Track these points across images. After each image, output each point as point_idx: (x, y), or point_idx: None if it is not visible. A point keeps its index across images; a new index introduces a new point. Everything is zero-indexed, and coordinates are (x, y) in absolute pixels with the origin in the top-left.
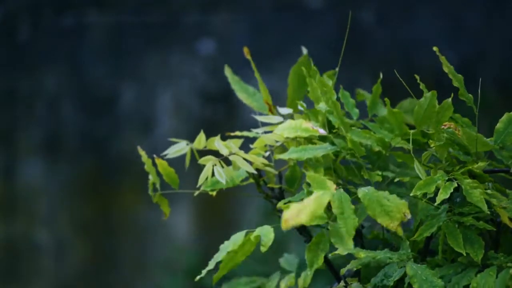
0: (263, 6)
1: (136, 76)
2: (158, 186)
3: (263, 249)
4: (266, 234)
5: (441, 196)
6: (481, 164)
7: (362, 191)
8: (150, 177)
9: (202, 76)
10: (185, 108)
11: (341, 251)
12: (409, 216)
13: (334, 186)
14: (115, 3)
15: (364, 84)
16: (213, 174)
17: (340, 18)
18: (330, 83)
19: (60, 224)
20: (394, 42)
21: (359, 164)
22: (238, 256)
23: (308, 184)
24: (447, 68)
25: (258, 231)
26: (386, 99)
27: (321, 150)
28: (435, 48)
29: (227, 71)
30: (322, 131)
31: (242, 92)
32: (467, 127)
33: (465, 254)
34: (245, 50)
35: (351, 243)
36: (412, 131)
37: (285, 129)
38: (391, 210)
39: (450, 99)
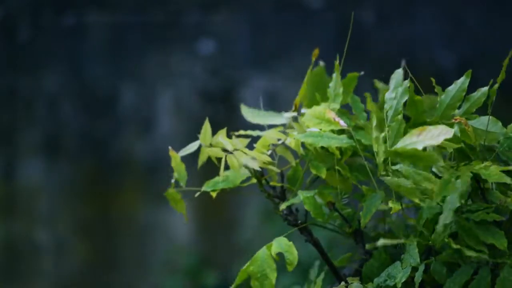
0: (263, 6)
1: (136, 76)
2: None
3: (290, 268)
4: (288, 250)
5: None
6: (486, 165)
7: (398, 165)
8: (176, 174)
9: (202, 76)
10: (185, 108)
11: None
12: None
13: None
14: (115, 3)
15: (364, 83)
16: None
17: (340, 18)
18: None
19: (60, 224)
20: (394, 42)
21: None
22: (271, 277)
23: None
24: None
25: (276, 246)
26: (410, 84)
27: (336, 141)
28: None
29: (243, 109)
30: (343, 124)
31: (255, 117)
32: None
33: (487, 252)
34: (315, 52)
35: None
36: (430, 120)
37: (310, 118)
38: (429, 178)
39: (486, 88)
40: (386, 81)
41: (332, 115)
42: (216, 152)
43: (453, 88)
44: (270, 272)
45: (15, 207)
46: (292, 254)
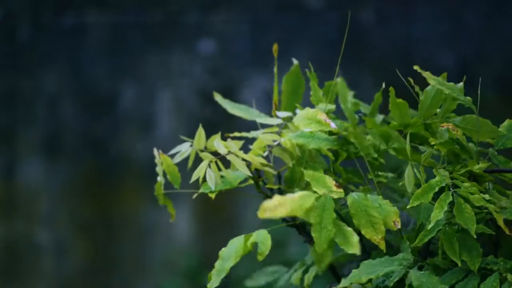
0: (263, 6)
1: (136, 76)
2: (162, 187)
3: (259, 258)
4: (263, 241)
5: (437, 211)
6: (482, 165)
7: (351, 197)
8: (159, 178)
9: (202, 76)
10: (185, 108)
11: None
12: (398, 226)
13: (334, 183)
14: (115, 3)
15: (364, 84)
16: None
17: (340, 18)
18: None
19: (60, 224)
20: (394, 42)
21: (357, 167)
22: (232, 260)
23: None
24: (432, 80)
25: (255, 236)
26: (390, 88)
27: (327, 142)
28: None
29: (217, 97)
30: (333, 125)
31: (234, 109)
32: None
33: (460, 264)
34: (275, 47)
35: (357, 247)
36: (414, 119)
37: (301, 119)
38: (377, 222)
39: (461, 84)
40: (386, 81)
41: (323, 116)
42: (207, 156)
43: (431, 89)
44: (233, 257)
45: (15, 207)
46: (265, 245)
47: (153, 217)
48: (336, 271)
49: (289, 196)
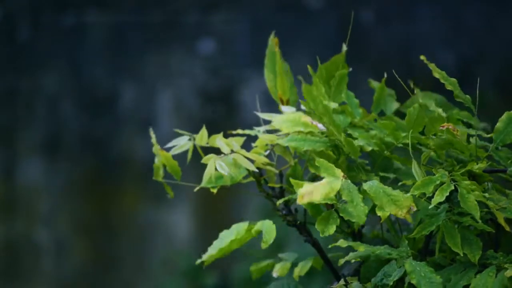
0: (263, 6)
1: (136, 76)
2: (162, 172)
3: (264, 245)
4: (268, 231)
5: (437, 198)
6: (481, 165)
7: (367, 185)
8: (156, 160)
9: (202, 76)
10: (185, 108)
11: (342, 242)
12: (414, 209)
13: (342, 174)
14: (115, 3)
15: (364, 83)
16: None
17: (340, 18)
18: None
19: (60, 224)
20: (394, 42)
21: (359, 163)
22: (233, 244)
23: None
24: (438, 74)
25: (260, 225)
26: (391, 92)
27: (320, 144)
28: (422, 57)
29: (272, 39)
30: (321, 127)
31: (270, 72)
32: (468, 119)
33: (462, 254)
34: (276, 41)
35: (363, 219)
36: (405, 134)
37: (284, 122)
38: (398, 200)
39: (440, 110)
40: (386, 80)
41: (308, 119)
42: (209, 158)
43: (413, 113)
44: (234, 236)
45: (15, 207)
46: (270, 234)
47: (153, 217)
48: (336, 271)
49: (316, 183)
